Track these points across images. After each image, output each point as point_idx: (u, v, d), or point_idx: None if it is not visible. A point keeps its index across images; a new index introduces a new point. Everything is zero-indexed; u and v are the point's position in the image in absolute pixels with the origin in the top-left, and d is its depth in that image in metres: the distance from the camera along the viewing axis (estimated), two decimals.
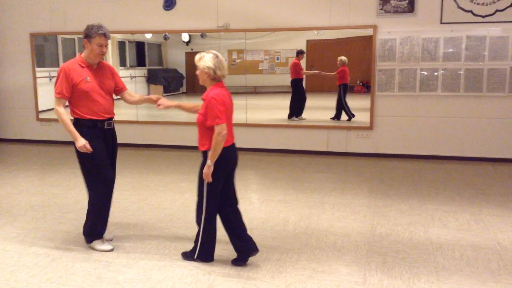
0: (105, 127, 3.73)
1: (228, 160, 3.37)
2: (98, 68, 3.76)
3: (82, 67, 3.67)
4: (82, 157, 3.68)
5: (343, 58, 8.10)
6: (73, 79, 3.61)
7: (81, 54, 3.73)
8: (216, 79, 3.33)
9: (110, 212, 3.91)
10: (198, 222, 3.48)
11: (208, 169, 3.25)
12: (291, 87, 8.68)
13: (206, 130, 3.29)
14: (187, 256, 3.58)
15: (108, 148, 3.79)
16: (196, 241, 3.52)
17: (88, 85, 3.64)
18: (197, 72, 3.37)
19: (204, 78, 3.34)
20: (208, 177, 3.27)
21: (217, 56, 3.32)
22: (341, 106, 8.11)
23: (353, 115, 7.99)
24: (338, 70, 8.17)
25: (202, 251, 3.50)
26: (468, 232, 4.14)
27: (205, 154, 3.34)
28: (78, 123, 3.68)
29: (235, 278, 3.28)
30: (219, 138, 3.20)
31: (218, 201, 3.45)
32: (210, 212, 3.41)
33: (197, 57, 3.35)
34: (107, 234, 3.95)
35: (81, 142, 3.57)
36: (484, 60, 6.66)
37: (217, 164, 3.28)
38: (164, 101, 3.76)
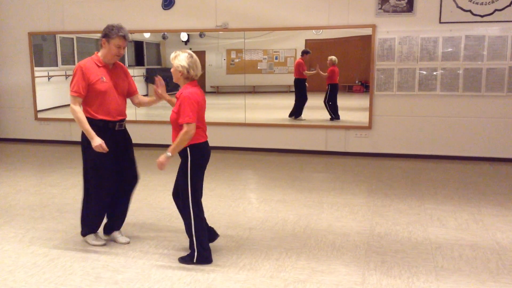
0: (116, 128, 3.71)
1: (204, 155, 3.48)
2: (113, 68, 3.73)
3: (98, 66, 3.63)
4: (87, 158, 3.70)
5: (333, 57, 8.07)
6: (89, 78, 3.57)
7: (97, 53, 3.69)
8: (189, 78, 3.39)
9: (127, 213, 4.00)
10: (188, 224, 3.44)
11: (166, 160, 3.33)
12: (294, 86, 8.68)
13: (180, 127, 3.34)
14: (186, 260, 3.49)
15: (120, 150, 3.76)
16: (191, 245, 3.46)
17: (104, 85, 3.61)
18: (172, 70, 3.43)
19: (177, 76, 3.40)
20: (163, 167, 3.36)
21: (191, 56, 3.38)
22: (326, 104, 8.12)
23: (334, 117, 7.99)
24: (328, 69, 8.16)
25: (201, 253, 3.44)
26: (467, 232, 4.13)
27: (181, 152, 3.40)
28: (90, 123, 3.62)
29: (233, 278, 3.27)
30: (186, 136, 3.28)
31: (201, 197, 3.51)
32: (198, 208, 3.45)
33: (172, 55, 3.40)
34: (120, 238, 3.92)
35: (97, 142, 3.51)
36: (483, 59, 6.66)
37: (196, 160, 3.39)
38: (164, 91, 3.80)
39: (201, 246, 3.44)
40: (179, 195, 3.50)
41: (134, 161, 3.92)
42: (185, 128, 3.27)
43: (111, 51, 3.60)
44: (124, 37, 3.60)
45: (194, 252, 3.45)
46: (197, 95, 3.36)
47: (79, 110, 3.57)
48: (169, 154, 3.33)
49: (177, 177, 3.53)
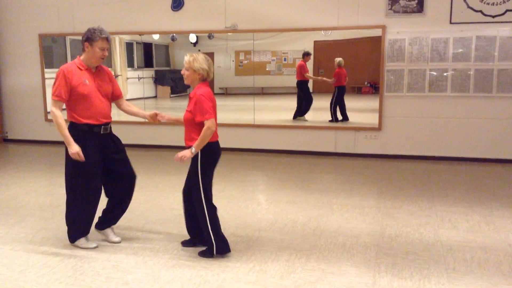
0: (102, 132, 3.68)
1: (216, 154, 3.57)
2: (97, 72, 3.72)
3: (80, 69, 3.63)
4: (71, 161, 3.61)
5: (338, 59, 8.04)
6: (71, 81, 3.56)
7: (79, 56, 3.69)
8: (205, 79, 3.52)
9: (123, 215, 3.99)
10: (203, 219, 3.54)
11: (189, 154, 3.39)
12: (297, 88, 8.66)
13: (194, 126, 3.45)
14: (206, 254, 3.61)
15: (111, 151, 3.74)
16: (208, 238, 3.56)
17: (87, 88, 3.60)
18: (186, 72, 3.50)
19: (195, 78, 3.50)
20: (183, 160, 3.40)
21: (207, 58, 3.51)
22: (331, 107, 8.10)
23: (337, 120, 7.97)
24: (334, 72, 8.12)
25: (219, 244, 3.57)
26: (478, 234, 4.09)
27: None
28: (75, 127, 3.62)
29: (243, 279, 3.26)
30: (208, 132, 3.38)
31: (211, 193, 3.62)
32: (210, 204, 3.56)
33: (188, 58, 3.47)
34: (112, 236, 3.94)
35: (74, 149, 3.50)
36: (494, 60, 6.61)
37: (208, 159, 3.49)
38: (165, 115, 3.86)
39: (218, 238, 3.56)
40: (189, 194, 3.61)
41: (128, 161, 3.89)
42: (206, 124, 3.37)
43: (96, 54, 3.60)
44: (107, 39, 3.62)
45: (213, 245, 3.56)
46: (210, 93, 3.50)
47: (59, 115, 3.54)
48: (194, 149, 3.41)
49: (188, 176, 3.63)
